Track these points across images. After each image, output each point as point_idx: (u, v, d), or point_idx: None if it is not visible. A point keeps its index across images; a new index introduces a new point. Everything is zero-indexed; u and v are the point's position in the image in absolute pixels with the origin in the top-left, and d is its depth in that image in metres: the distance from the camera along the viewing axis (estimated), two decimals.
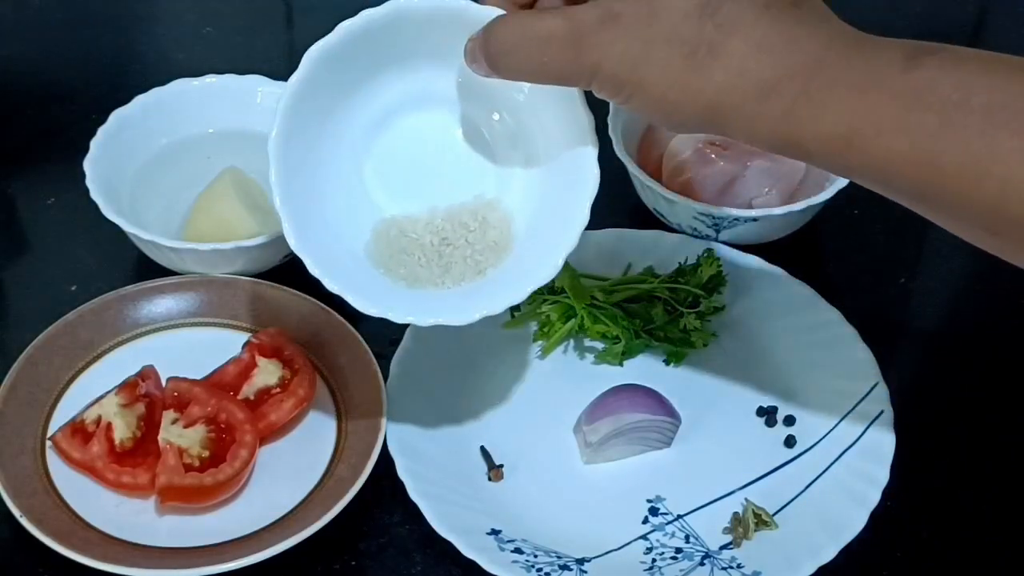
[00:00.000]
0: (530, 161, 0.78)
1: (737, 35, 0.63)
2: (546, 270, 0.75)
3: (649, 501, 0.83)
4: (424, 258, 0.77)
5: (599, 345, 0.90)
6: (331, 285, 0.73)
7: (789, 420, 0.87)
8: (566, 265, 0.89)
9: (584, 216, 0.75)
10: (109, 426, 0.81)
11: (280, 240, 0.89)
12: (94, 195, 0.90)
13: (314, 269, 0.73)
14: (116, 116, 0.95)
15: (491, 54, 0.68)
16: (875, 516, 0.80)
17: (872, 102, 0.62)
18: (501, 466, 0.84)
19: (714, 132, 0.67)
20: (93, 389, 0.84)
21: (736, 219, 0.92)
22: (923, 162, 0.62)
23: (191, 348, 0.87)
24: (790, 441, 0.86)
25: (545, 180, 0.77)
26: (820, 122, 0.63)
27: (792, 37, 0.63)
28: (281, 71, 1.03)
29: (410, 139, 0.77)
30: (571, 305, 0.89)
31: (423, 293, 0.76)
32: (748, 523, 0.81)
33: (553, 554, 0.79)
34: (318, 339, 0.87)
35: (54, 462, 0.81)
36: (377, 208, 0.78)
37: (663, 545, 0.81)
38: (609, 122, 0.95)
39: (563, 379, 0.89)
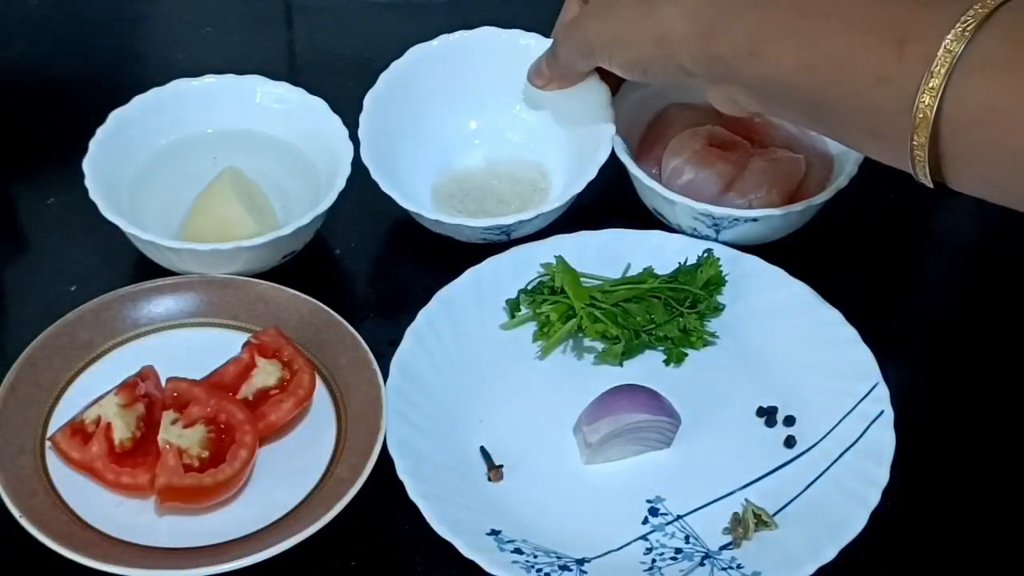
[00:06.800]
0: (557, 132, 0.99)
1: None
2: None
3: (649, 501, 0.83)
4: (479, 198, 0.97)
5: (599, 345, 0.90)
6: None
7: (789, 420, 0.87)
8: (566, 265, 0.90)
9: (593, 172, 0.93)
10: (109, 426, 0.81)
11: (279, 240, 0.89)
12: (93, 195, 0.90)
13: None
14: (115, 116, 0.95)
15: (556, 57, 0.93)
16: (875, 516, 0.80)
17: (766, 12, 0.76)
18: (501, 466, 0.84)
19: (670, 67, 0.82)
20: (93, 389, 0.84)
21: (736, 219, 0.92)
22: (803, 67, 0.75)
23: (190, 348, 0.87)
24: (790, 441, 0.86)
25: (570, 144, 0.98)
26: (731, 35, 0.77)
27: None
28: (281, 71, 1.04)
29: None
30: (571, 305, 0.89)
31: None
32: (748, 523, 0.81)
33: (553, 554, 0.79)
34: (318, 339, 0.87)
35: (53, 462, 0.81)
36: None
37: (663, 545, 0.81)
38: None
39: (563, 379, 0.89)
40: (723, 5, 0.78)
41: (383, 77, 0.98)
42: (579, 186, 0.93)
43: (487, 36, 1.00)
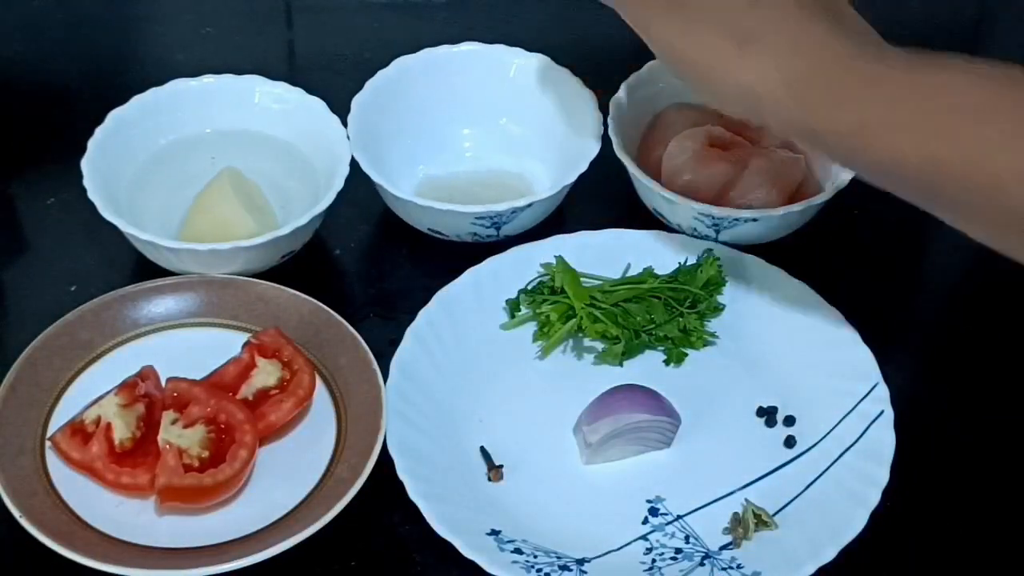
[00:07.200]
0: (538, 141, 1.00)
1: (776, 31, 0.72)
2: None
3: (649, 501, 0.83)
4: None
5: (599, 345, 0.90)
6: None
7: (789, 420, 0.87)
8: (566, 265, 0.90)
9: (583, 166, 0.93)
10: (109, 426, 0.81)
11: (278, 240, 0.89)
12: (92, 195, 0.90)
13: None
14: (114, 116, 0.95)
15: None
16: (875, 516, 0.80)
17: (882, 100, 0.69)
18: (501, 466, 0.84)
19: (746, 113, 0.74)
20: (93, 389, 0.84)
21: (736, 219, 0.92)
22: (924, 158, 0.68)
23: (190, 348, 0.87)
24: (790, 441, 0.86)
25: (555, 150, 0.98)
26: (836, 118, 0.70)
27: (821, 40, 0.71)
28: (280, 71, 1.04)
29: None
30: (571, 305, 0.89)
31: None
32: (748, 523, 0.81)
33: (553, 554, 0.79)
34: (318, 339, 0.87)
35: (54, 462, 0.81)
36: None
37: (663, 545, 0.81)
38: (609, 123, 0.95)
39: (563, 379, 0.89)
40: (831, 79, 0.71)
41: (369, 84, 0.98)
42: (570, 178, 0.93)
43: (470, 50, 1.00)
